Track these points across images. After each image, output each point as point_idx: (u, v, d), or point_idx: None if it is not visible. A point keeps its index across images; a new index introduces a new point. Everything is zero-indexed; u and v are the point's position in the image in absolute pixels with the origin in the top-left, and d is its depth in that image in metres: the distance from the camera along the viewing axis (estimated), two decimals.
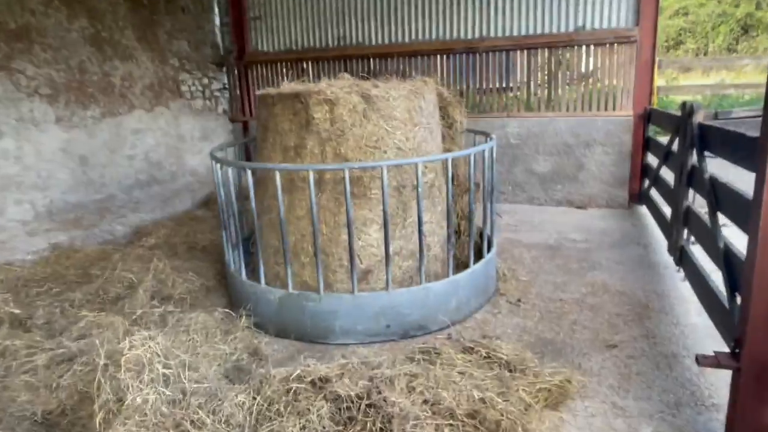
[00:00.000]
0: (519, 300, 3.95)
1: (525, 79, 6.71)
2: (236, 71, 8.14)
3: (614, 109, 6.39)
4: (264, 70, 8.03)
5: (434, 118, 3.96)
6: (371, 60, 7.28)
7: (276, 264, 3.89)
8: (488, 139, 4.08)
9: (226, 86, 8.21)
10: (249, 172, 3.38)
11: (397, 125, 3.58)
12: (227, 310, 3.63)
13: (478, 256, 4.05)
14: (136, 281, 4.16)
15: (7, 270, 4.56)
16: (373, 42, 7.32)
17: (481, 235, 4.42)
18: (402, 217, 3.69)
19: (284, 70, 7.88)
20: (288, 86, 3.86)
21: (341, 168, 3.19)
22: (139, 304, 3.75)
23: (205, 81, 7.79)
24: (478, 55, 6.81)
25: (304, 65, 7.71)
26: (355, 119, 3.50)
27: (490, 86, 6.90)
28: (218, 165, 3.72)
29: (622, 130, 6.31)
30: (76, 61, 5.74)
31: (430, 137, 3.84)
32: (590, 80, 6.44)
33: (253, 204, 3.47)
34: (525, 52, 6.62)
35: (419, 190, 3.29)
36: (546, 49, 6.51)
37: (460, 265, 3.99)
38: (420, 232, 3.39)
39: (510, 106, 6.89)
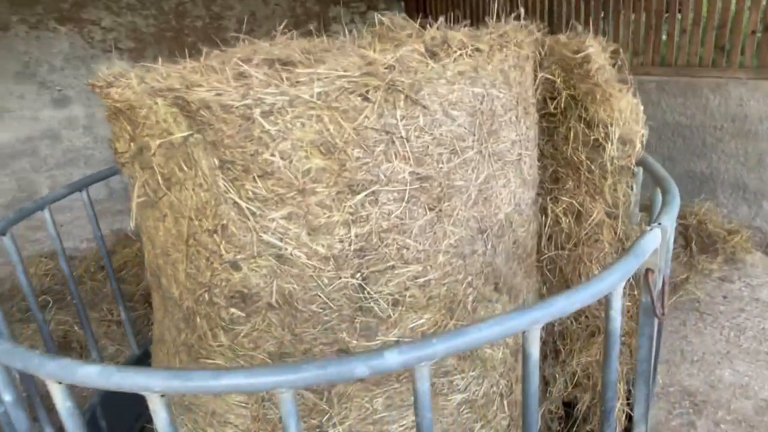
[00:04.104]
0: None
1: None
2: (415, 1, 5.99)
3: None
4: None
5: (513, 151, 1.35)
6: None
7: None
8: (662, 214, 1.22)
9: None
10: None
11: (277, 197, 1.20)
12: None
13: None
14: (67, 334, 2.98)
15: (38, 264, 3.97)
16: None
17: None
18: None
19: None
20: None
21: None
22: None
23: (371, 16, 5.91)
24: None
25: None
26: (171, 167, 1.28)
27: None
28: None
29: None
30: (172, 4, 4.64)
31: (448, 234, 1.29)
32: None
33: None
34: None
35: None
36: None
37: None
38: None
39: None
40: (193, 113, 1.19)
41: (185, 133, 1.21)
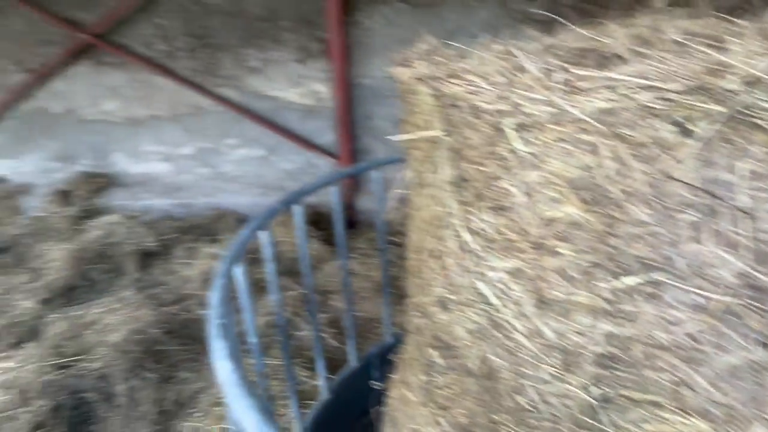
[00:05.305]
0: None
1: None
2: None
3: None
4: None
5: None
6: None
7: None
8: None
9: None
10: None
11: (506, 242, 0.87)
12: None
13: None
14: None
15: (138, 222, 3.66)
16: None
17: None
18: None
19: None
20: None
21: None
22: None
23: None
24: None
25: None
26: (426, 165, 1.09)
27: None
28: None
29: None
30: None
31: None
32: None
33: None
34: None
35: None
36: None
37: None
38: None
39: None
40: (445, 109, 0.96)
41: (436, 132, 1.00)
